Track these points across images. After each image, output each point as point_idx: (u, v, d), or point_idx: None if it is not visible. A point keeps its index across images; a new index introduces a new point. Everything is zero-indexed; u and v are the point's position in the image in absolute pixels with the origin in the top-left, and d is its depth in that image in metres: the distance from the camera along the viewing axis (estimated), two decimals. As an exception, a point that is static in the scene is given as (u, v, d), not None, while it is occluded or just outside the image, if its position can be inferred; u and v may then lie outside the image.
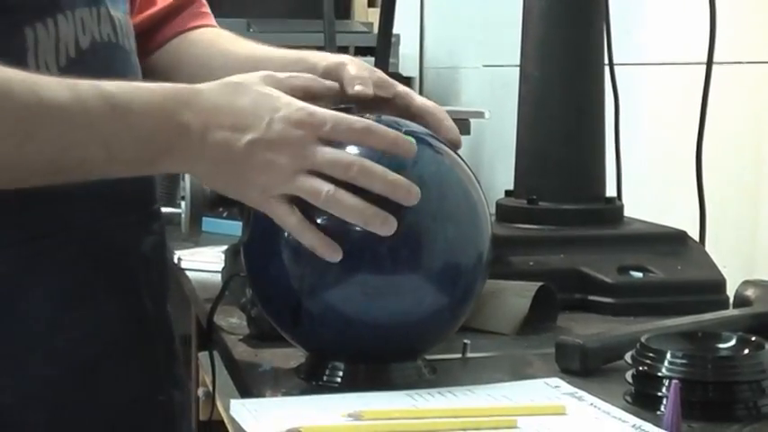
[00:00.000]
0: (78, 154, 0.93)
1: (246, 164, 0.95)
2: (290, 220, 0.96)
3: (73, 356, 1.03)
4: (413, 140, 0.97)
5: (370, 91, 1.07)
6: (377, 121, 1.01)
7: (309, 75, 1.04)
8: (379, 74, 1.12)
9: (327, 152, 0.95)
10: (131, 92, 0.95)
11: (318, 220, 0.95)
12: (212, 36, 1.29)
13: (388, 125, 1.01)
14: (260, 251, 1.02)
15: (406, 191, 0.95)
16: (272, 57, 1.21)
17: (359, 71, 1.09)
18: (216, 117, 0.95)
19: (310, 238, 0.95)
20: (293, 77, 1.02)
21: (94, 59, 1.04)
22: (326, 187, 0.94)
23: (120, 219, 1.07)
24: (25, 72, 0.92)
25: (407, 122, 1.04)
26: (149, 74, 1.24)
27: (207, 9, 1.33)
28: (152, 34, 1.27)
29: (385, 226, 0.94)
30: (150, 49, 1.26)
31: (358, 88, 1.07)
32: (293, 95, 0.98)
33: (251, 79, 0.99)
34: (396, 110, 1.10)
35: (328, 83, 1.06)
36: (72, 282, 1.03)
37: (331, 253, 0.95)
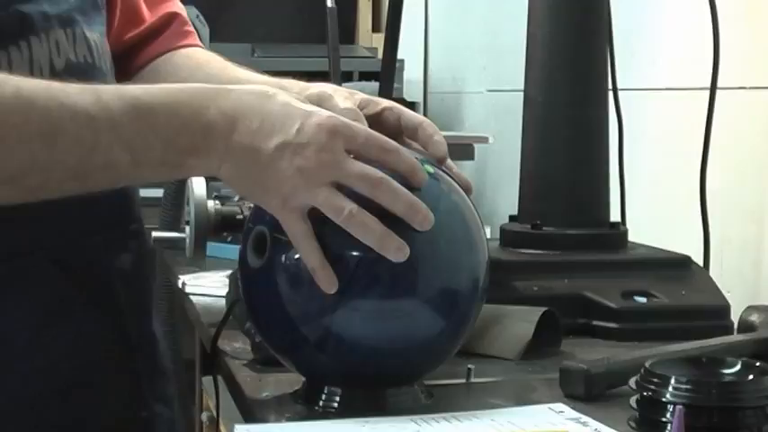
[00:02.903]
0: (103, 157, 0.93)
1: (271, 168, 0.93)
2: (301, 239, 0.94)
3: (52, 375, 1.03)
4: (425, 173, 0.97)
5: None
6: None
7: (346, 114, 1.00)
8: (360, 95, 1.11)
9: (357, 165, 0.94)
10: (156, 93, 0.95)
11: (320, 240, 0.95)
12: (197, 59, 1.28)
13: None
14: (256, 278, 1.01)
15: (424, 216, 0.95)
16: (253, 83, 1.21)
17: (345, 104, 1.07)
18: (243, 118, 0.94)
19: (314, 263, 0.94)
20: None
21: (69, 80, 1.04)
22: (350, 206, 0.93)
23: (93, 238, 1.07)
24: (46, 81, 0.93)
25: (404, 148, 1.04)
26: None
27: (190, 27, 1.32)
28: (135, 55, 1.26)
29: (399, 252, 0.93)
30: (133, 69, 1.26)
31: None
32: None
33: (282, 93, 0.97)
34: (385, 124, 1.09)
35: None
36: (49, 300, 1.03)
37: (328, 283, 0.94)
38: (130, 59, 1.26)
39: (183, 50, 1.28)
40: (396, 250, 0.94)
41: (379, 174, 0.94)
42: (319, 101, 1.08)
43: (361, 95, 1.11)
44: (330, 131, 0.93)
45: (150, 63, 1.27)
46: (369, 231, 0.93)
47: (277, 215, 0.96)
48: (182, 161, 0.95)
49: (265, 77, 1.20)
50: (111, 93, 0.94)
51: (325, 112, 0.95)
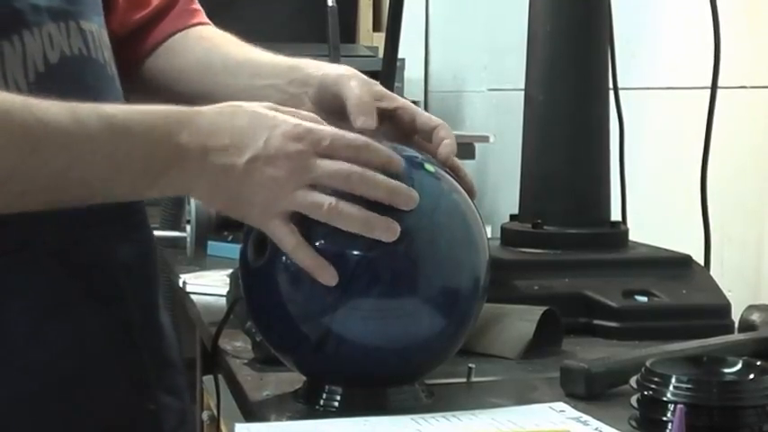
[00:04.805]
0: (80, 172, 0.94)
1: (246, 182, 0.96)
2: (288, 241, 0.96)
3: (53, 369, 1.03)
4: (401, 159, 0.98)
5: (373, 124, 1.06)
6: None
7: (313, 116, 1.02)
8: (379, 87, 1.12)
9: (326, 164, 0.96)
10: (130, 113, 0.96)
11: (315, 245, 0.96)
12: (210, 38, 1.28)
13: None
14: (257, 276, 1.01)
15: (407, 196, 0.96)
16: (267, 62, 1.21)
17: (361, 93, 1.08)
18: (214, 138, 0.96)
19: (308, 261, 0.95)
20: (297, 114, 1.00)
21: (64, 73, 1.04)
22: (328, 200, 0.95)
23: (93, 230, 1.06)
24: (21, 97, 0.93)
25: (404, 147, 1.04)
26: (147, 79, 1.24)
27: (196, 5, 1.32)
28: (143, 37, 1.26)
29: (389, 232, 0.95)
30: (142, 52, 1.26)
31: (361, 122, 1.06)
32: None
33: (250, 104, 0.99)
34: (398, 122, 1.11)
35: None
36: (49, 294, 1.03)
37: (328, 276, 0.95)
38: (139, 42, 1.25)
39: (193, 30, 1.28)
40: (386, 230, 0.95)
41: (349, 167, 0.96)
42: (337, 84, 1.10)
43: (378, 88, 1.12)
44: (296, 138, 0.96)
45: (161, 44, 1.27)
46: (352, 219, 0.95)
47: (259, 225, 0.98)
48: (156, 180, 0.97)
49: (279, 57, 1.21)
50: (87, 110, 0.95)
51: (292, 121, 0.97)
